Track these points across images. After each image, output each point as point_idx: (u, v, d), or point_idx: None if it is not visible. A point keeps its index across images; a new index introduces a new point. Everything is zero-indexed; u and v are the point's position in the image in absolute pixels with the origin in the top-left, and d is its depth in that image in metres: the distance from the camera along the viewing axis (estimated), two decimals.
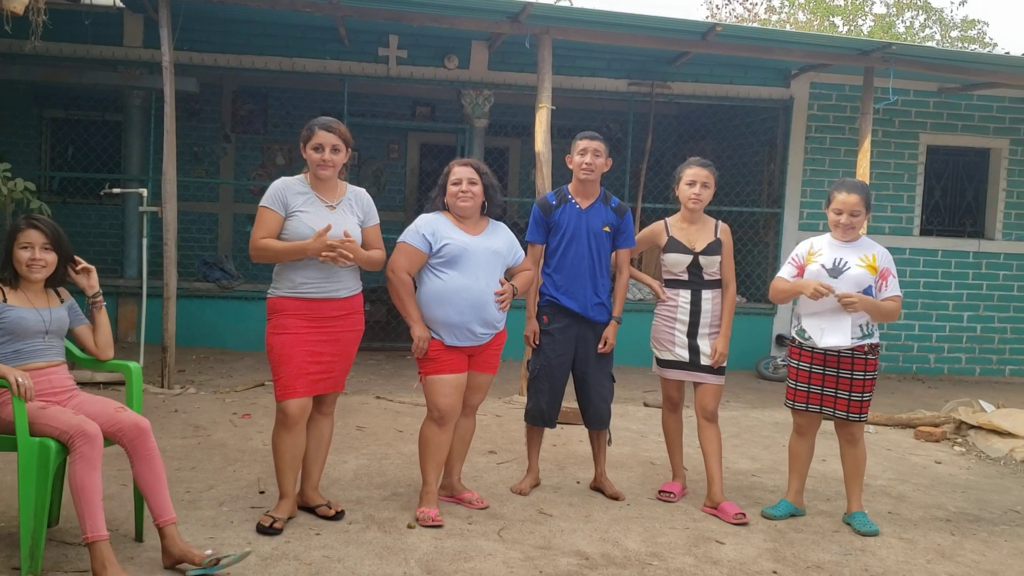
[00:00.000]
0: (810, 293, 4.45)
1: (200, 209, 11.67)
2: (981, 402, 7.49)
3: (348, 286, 4.18)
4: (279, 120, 12.01)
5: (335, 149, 4.09)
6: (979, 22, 23.38)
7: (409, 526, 4.21)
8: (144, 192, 7.85)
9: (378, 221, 4.33)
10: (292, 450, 4.13)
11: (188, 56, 8.69)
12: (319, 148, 4.07)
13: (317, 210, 4.09)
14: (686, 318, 4.79)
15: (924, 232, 10.19)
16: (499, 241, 4.45)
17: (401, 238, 4.35)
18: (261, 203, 4.09)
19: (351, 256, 4.02)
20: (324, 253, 3.96)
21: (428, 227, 4.33)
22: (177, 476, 4.77)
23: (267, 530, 4.03)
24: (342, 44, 8.95)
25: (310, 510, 4.30)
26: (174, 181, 7.17)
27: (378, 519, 4.30)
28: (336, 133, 4.10)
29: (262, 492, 4.57)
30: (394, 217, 11.29)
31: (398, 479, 4.97)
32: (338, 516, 4.26)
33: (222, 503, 4.42)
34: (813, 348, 4.58)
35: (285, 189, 4.10)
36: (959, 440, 6.77)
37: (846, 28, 22.83)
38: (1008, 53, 9.68)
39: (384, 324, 9.48)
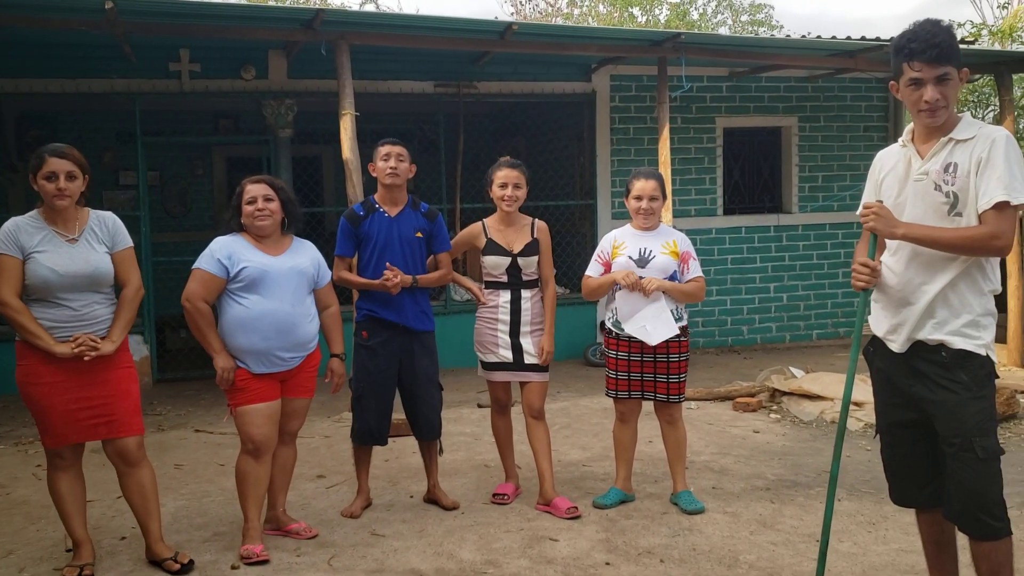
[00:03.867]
0: (625, 282, 4.53)
1: None
2: (792, 368, 7.91)
3: (106, 323, 3.89)
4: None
5: (70, 176, 3.79)
6: (766, 6, 24.84)
7: (233, 567, 4.00)
8: None
9: (130, 244, 4.01)
10: (72, 492, 3.93)
11: None
12: (52, 177, 3.76)
13: (56, 247, 3.80)
14: (507, 318, 4.79)
15: (727, 211, 10.63)
16: (304, 259, 4.28)
17: (195, 264, 4.12)
18: None
19: (98, 347, 3.77)
20: (75, 351, 3.73)
21: (223, 250, 4.11)
22: None
23: None
24: (129, 62, 8.45)
25: (158, 564, 4.02)
26: None
27: (200, 563, 4.06)
28: (70, 159, 3.81)
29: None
30: (203, 237, 10.68)
31: (220, 517, 4.72)
32: (186, 568, 3.97)
33: (22, 569, 4.07)
34: (630, 336, 4.66)
35: (17, 230, 3.80)
36: (774, 408, 7.11)
37: (644, 18, 23.67)
38: (788, 36, 10.22)
39: (200, 351, 8.98)
